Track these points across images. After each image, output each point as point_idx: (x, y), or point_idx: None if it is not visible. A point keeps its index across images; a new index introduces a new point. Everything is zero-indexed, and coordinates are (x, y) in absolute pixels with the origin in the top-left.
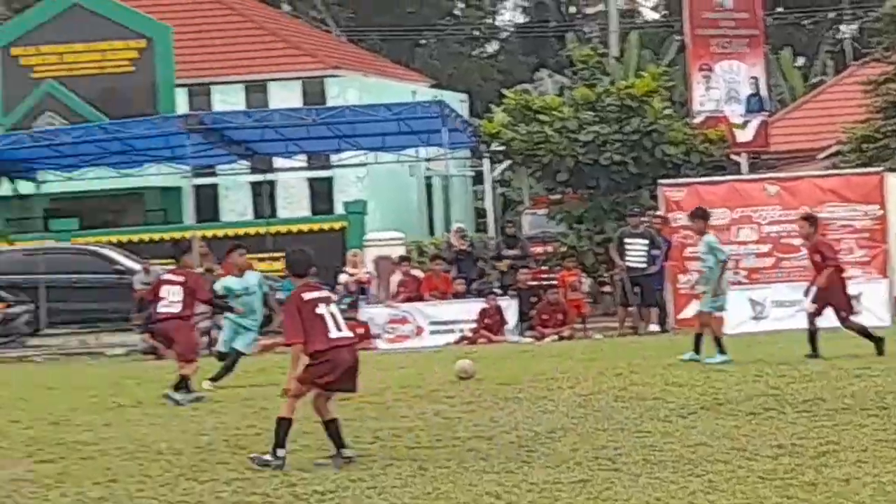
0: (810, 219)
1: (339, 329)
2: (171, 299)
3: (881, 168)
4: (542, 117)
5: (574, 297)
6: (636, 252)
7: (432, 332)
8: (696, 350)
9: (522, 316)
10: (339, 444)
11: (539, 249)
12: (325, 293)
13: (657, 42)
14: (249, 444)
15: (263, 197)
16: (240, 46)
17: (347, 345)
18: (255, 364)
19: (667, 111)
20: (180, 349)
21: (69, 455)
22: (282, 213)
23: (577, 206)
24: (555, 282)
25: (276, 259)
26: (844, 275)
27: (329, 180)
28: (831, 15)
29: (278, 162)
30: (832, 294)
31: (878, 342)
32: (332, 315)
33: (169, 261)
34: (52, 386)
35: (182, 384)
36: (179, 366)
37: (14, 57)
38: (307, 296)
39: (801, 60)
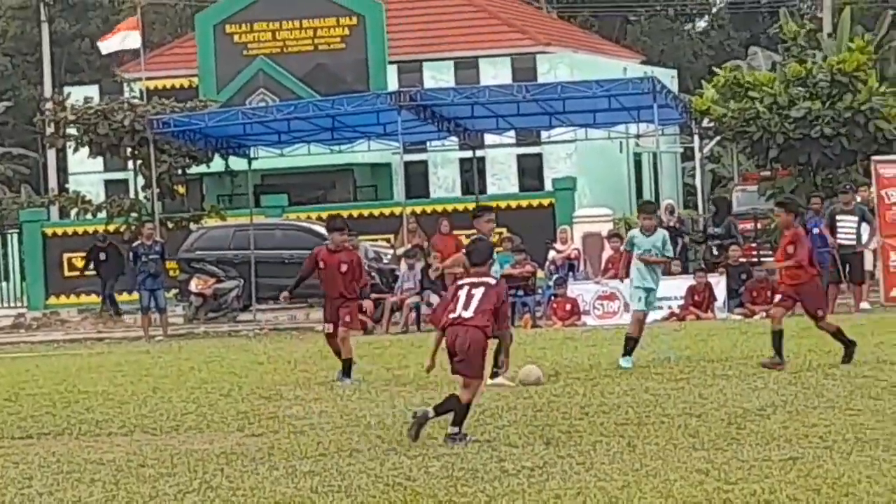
0: (788, 205)
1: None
2: None
3: None
4: (752, 93)
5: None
6: (846, 229)
7: None
8: None
9: (732, 293)
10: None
11: (748, 226)
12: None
13: (871, 17)
14: None
15: (473, 173)
16: (450, 23)
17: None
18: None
19: (881, 89)
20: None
21: (279, 429)
22: (491, 189)
23: (788, 182)
24: (770, 258)
25: None
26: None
27: (538, 156)
28: None
29: (488, 138)
30: (805, 293)
31: (849, 346)
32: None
33: (378, 237)
34: (262, 361)
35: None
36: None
37: (228, 34)
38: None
39: None
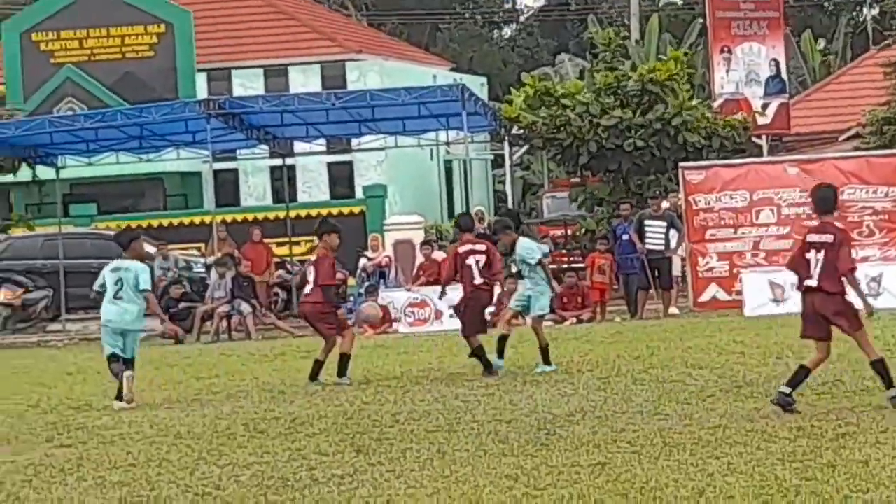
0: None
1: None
2: None
3: None
4: (564, 102)
5: (599, 280)
6: (655, 235)
7: (451, 316)
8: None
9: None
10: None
11: (559, 232)
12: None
13: (678, 25)
14: (268, 429)
15: (283, 181)
16: (260, 31)
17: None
18: (274, 349)
19: (690, 98)
20: None
21: (88, 440)
22: (301, 197)
23: (599, 189)
24: (581, 264)
25: (296, 243)
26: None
27: (349, 164)
28: None
29: (298, 146)
30: None
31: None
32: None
33: (188, 245)
34: (71, 371)
35: None
36: None
37: (34, 42)
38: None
39: (821, 43)
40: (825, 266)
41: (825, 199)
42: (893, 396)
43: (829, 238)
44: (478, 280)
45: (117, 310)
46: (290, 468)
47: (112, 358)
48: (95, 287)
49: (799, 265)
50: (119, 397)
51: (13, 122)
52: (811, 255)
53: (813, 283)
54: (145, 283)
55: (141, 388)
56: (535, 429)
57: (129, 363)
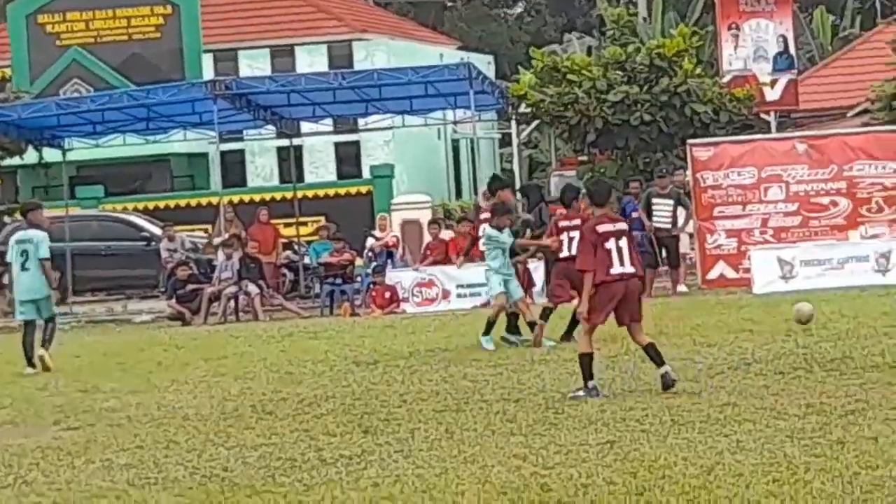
0: None
1: (622, 264)
2: None
3: None
4: (571, 77)
5: None
6: (663, 213)
7: (459, 296)
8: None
9: (549, 278)
10: (659, 362)
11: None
12: (620, 226)
13: (684, 2)
14: (275, 410)
15: (290, 162)
16: (266, 11)
17: (627, 278)
18: (282, 330)
19: (697, 71)
20: None
21: (96, 422)
22: (308, 177)
23: (607, 167)
24: None
25: (304, 224)
26: None
27: (356, 144)
28: None
29: (305, 126)
30: None
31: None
32: (619, 250)
33: (196, 227)
34: (78, 354)
35: None
36: None
37: (40, 24)
38: (601, 228)
39: (831, 19)
40: (631, 251)
41: (599, 193)
42: (664, 373)
43: (623, 226)
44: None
45: (27, 278)
46: (298, 449)
47: (28, 325)
48: (7, 259)
49: (601, 258)
50: (31, 363)
51: (19, 104)
52: (611, 244)
53: (629, 269)
54: (45, 251)
55: (149, 371)
56: (543, 408)
57: (49, 322)
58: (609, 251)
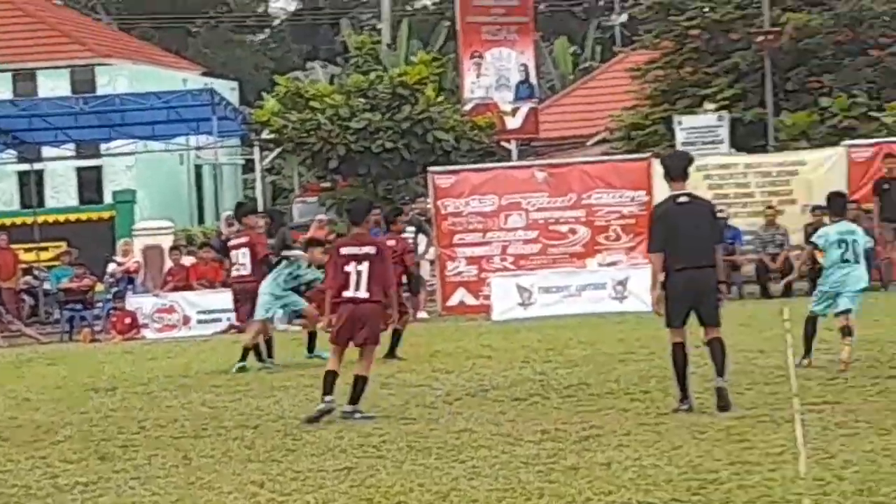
0: None
1: (357, 289)
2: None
3: (648, 154)
4: (314, 104)
5: None
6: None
7: (200, 322)
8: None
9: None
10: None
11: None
12: (367, 250)
13: (428, 29)
14: (11, 436)
15: (30, 186)
16: (7, 34)
17: (358, 302)
18: (20, 356)
19: (439, 98)
20: None
21: None
22: (50, 202)
23: (349, 193)
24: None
25: (44, 249)
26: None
27: (98, 169)
28: (602, 2)
29: (46, 151)
30: None
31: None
32: (359, 273)
33: None
34: None
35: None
36: None
37: None
38: (344, 250)
39: (572, 48)
40: (372, 277)
41: (356, 212)
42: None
43: (370, 249)
44: None
45: None
46: (33, 476)
47: None
48: None
49: (337, 279)
50: None
51: None
52: (350, 267)
53: (362, 294)
54: None
55: None
56: (281, 434)
57: None
58: (348, 274)
